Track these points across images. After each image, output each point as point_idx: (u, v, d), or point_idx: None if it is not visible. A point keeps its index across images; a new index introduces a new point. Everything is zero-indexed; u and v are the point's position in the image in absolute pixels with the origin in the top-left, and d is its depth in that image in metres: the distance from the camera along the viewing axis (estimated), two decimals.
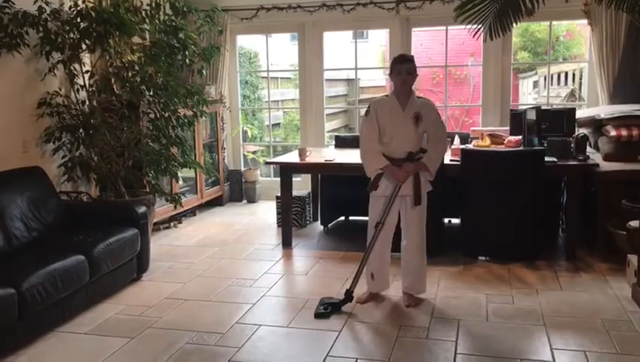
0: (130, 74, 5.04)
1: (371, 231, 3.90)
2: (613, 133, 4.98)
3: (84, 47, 4.83)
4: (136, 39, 5.26)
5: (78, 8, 4.72)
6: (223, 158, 7.18)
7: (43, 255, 3.69)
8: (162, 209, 5.81)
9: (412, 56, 3.86)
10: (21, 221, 4.04)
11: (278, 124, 10.02)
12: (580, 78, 8.83)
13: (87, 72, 5.02)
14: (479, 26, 3.86)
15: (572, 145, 4.88)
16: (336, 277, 4.41)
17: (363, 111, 4.04)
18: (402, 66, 3.73)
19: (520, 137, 5.00)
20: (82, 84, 5.00)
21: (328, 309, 3.76)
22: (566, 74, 10.27)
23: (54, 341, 3.47)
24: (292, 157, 5.55)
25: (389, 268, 4.07)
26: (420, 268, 3.98)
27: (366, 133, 3.83)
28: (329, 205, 5.91)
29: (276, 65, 9.23)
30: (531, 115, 4.98)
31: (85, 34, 4.73)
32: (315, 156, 5.38)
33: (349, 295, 3.86)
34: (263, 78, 9.08)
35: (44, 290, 3.40)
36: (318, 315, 3.72)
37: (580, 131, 5.24)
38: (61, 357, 3.29)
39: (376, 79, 10.56)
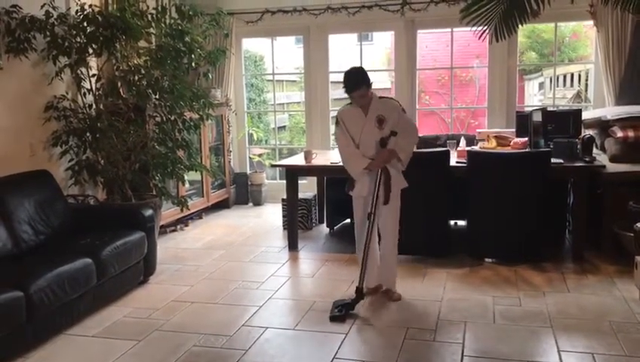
0: (136, 77, 5.06)
1: (359, 228, 4.02)
2: (619, 134, 4.96)
3: (90, 51, 4.86)
4: (142, 43, 5.29)
5: (85, 12, 4.74)
6: (229, 161, 7.20)
7: (51, 258, 3.71)
8: (169, 212, 5.83)
9: (359, 75, 3.84)
10: (29, 224, 4.06)
11: (284, 126, 10.05)
12: (586, 80, 8.81)
13: (93, 75, 5.05)
14: (485, 28, 3.85)
15: (578, 146, 4.87)
16: (342, 280, 4.41)
17: None
18: (352, 95, 3.86)
19: (526, 139, 4.99)
20: (89, 87, 5.03)
21: (343, 311, 3.76)
22: (572, 75, 10.25)
23: (62, 343, 3.48)
24: (298, 159, 5.55)
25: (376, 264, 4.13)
26: (392, 261, 4.08)
27: (342, 140, 3.98)
28: (335, 207, 5.90)
29: (282, 68, 9.24)
30: (537, 117, 4.97)
31: (92, 38, 4.75)
32: (321, 158, 5.39)
33: (359, 292, 3.87)
34: (269, 80, 9.10)
35: (52, 293, 3.41)
36: (333, 318, 3.71)
37: (587, 133, 5.23)
38: (69, 359, 3.30)
39: (382, 81, 10.56)
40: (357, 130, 3.90)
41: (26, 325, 3.29)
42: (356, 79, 3.83)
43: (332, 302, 3.91)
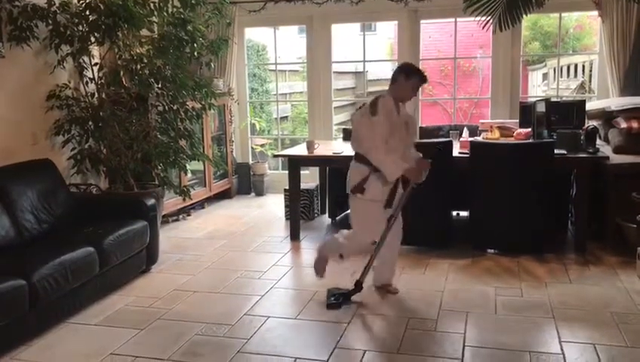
0: (138, 66, 5.05)
1: (365, 234, 3.85)
2: (623, 125, 4.94)
3: (92, 39, 4.85)
4: (144, 32, 5.26)
5: (87, 1, 4.73)
6: (231, 151, 7.19)
7: (53, 247, 3.72)
8: (171, 201, 5.84)
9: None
10: (31, 213, 4.07)
11: (286, 116, 10.02)
12: (590, 70, 8.75)
13: (96, 64, 5.04)
14: (488, 18, 3.84)
15: (582, 137, 4.85)
16: (344, 269, 4.41)
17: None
18: (413, 80, 3.67)
19: (529, 130, 4.97)
20: (91, 76, 5.02)
21: (339, 299, 3.79)
22: (576, 66, 10.18)
23: (65, 332, 3.50)
24: (300, 150, 5.54)
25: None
26: (397, 257, 4.11)
27: (383, 134, 3.59)
28: (337, 198, 5.90)
29: (284, 58, 9.21)
30: (541, 108, 4.95)
31: (94, 27, 4.74)
32: (323, 149, 5.38)
33: (359, 285, 3.88)
34: (271, 70, 9.07)
35: (55, 281, 3.42)
36: (330, 306, 3.74)
37: (590, 123, 5.21)
38: (71, 347, 3.31)
39: (385, 72, 10.54)
40: (391, 125, 3.65)
41: (29, 313, 3.30)
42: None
43: (327, 289, 3.94)
